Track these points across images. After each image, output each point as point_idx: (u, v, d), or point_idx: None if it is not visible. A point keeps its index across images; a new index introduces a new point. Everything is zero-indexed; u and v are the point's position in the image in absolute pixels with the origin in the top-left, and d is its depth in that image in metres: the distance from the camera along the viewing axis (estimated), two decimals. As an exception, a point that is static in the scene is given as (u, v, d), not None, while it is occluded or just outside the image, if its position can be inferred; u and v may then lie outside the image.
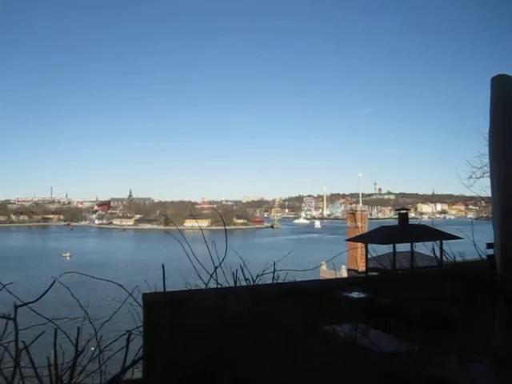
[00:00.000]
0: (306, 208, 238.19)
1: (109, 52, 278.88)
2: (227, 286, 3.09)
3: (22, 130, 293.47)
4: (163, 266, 2.61)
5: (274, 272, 3.20)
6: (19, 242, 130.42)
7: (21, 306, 2.00)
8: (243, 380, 2.92)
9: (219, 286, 3.04)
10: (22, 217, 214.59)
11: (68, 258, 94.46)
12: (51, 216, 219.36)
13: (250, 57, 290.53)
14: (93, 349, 2.21)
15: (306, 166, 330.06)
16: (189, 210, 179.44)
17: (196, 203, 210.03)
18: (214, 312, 2.87)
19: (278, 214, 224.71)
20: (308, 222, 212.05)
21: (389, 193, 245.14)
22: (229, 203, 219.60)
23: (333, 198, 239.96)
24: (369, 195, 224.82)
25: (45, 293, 2.01)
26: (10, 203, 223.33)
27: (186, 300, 3.13)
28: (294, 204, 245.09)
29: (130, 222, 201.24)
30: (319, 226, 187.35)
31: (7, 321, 1.95)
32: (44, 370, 1.95)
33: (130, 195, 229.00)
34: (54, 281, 2.12)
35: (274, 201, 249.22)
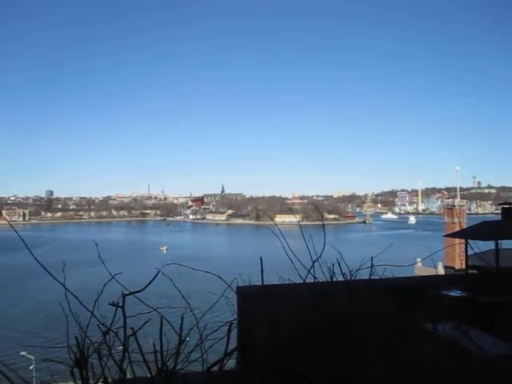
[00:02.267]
0: (399, 203, 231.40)
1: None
2: (323, 280, 3.06)
3: (123, 130, 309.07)
4: (261, 260, 2.64)
5: (371, 267, 3.12)
6: (120, 235, 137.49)
7: (128, 295, 2.11)
8: (338, 375, 2.89)
9: (316, 281, 3.01)
10: (121, 212, 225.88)
11: (164, 252, 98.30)
12: (148, 211, 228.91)
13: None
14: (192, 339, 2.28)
15: (399, 160, 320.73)
16: (279, 205, 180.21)
17: (287, 198, 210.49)
18: (309, 306, 2.86)
19: (371, 209, 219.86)
20: (396, 217, 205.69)
21: (489, 186, 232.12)
22: (319, 198, 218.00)
23: (428, 193, 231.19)
24: (467, 189, 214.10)
25: (150, 283, 2.11)
26: (111, 199, 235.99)
27: (281, 294, 3.15)
28: (387, 199, 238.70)
29: (223, 217, 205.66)
30: (413, 222, 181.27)
31: (116, 308, 2.07)
32: (150, 355, 2.05)
33: (223, 191, 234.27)
34: (158, 272, 2.22)
35: (366, 195, 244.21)
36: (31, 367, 22.59)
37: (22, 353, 27.01)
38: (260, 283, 3.01)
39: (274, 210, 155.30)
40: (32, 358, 25.32)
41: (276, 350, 2.78)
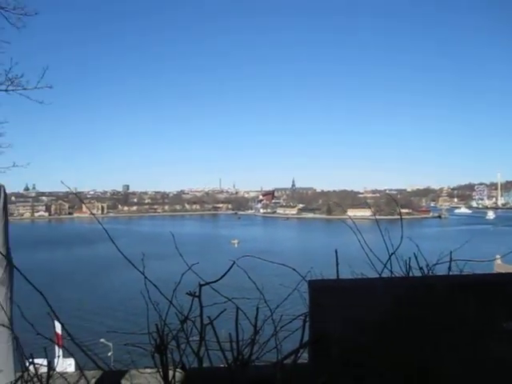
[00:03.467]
0: (477, 197, 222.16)
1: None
2: (399, 275, 3.00)
3: (194, 126, 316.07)
4: (336, 252, 2.62)
5: (450, 261, 3.02)
6: (193, 229, 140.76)
7: (204, 285, 2.17)
8: (411, 371, 2.83)
9: (392, 276, 2.96)
10: (194, 206, 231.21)
11: (236, 245, 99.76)
12: (220, 205, 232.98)
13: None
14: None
15: (476, 152, 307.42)
16: (351, 199, 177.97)
17: (358, 192, 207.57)
18: (384, 302, 2.81)
19: (446, 204, 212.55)
20: (470, 211, 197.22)
21: None
22: (392, 192, 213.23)
23: (508, 186, 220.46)
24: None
25: (225, 273, 2.16)
26: (184, 193, 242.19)
27: (354, 288, 3.11)
28: (464, 193, 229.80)
29: (293, 211, 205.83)
30: (492, 217, 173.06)
31: (193, 298, 2.13)
32: (226, 344, 2.10)
33: (293, 185, 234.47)
34: (234, 263, 2.26)
35: (441, 189, 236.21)
36: (109, 353, 23.62)
37: (101, 339, 28.26)
38: (332, 277, 2.99)
39: (346, 204, 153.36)
40: (110, 344, 26.42)
41: (349, 345, 2.76)
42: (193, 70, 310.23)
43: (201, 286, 2.15)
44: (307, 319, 2.44)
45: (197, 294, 2.13)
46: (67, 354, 2.36)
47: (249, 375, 2.10)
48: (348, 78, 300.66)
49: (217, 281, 2.18)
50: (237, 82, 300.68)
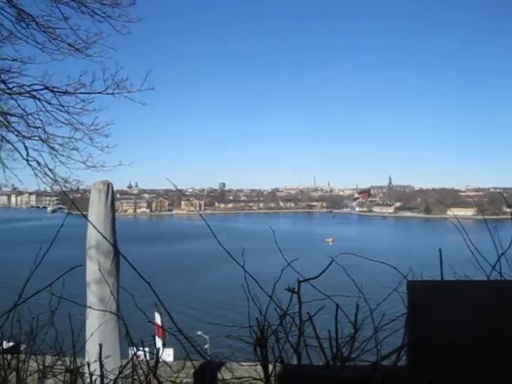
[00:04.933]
0: None
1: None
2: (510, 278, 2.82)
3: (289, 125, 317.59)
4: (440, 251, 2.52)
5: None
6: (287, 226, 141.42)
7: (303, 281, 2.17)
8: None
9: (501, 279, 2.79)
10: (288, 203, 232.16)
11: (331, 244, 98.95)
12: (315, 203, 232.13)
13: None
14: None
15: None
16: (451, 197, 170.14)
17: (459, 191, 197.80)
18: (491, 306, 2.66)
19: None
20: None
21: None
22: (498, 190, 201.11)
23: None
24: None
25: (324, 270, 2.15)
26: (278, 191, 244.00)
27: (458, 290, 2.97)
28: None
29: (390, 210, 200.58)
30: None
31: (292, 294, 2.14)
32: (325, 341, 2.10)
33: (390, 183, 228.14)
34: (332, 260, 2.25)
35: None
36: (206, 346, 24.29)
37: (198, 332, 29.10)
38: (432, 278, 2.87)
39: (446, 203, 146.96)
40: (207, 337, 27.17)
41: (451, 349, 2.64)
42: (286, 65, 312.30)
43: (300, 282, 2.16)
44: (405, 322, 2.37)
45: (296, 289, 2.15)
46: (166, 344, 2.45)
47: (348, 374, 2.08)
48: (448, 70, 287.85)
49: (316, 277, 2.18)
50: (330, 79, 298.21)
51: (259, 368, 2.20)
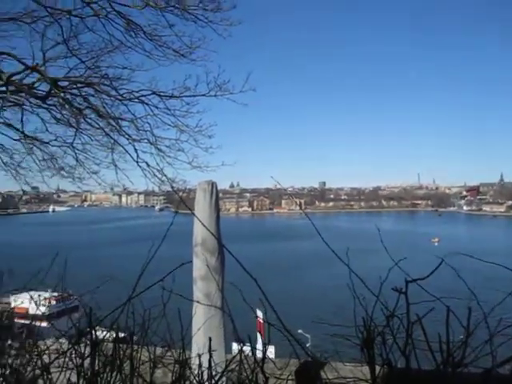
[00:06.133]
0: None
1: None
2: None
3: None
4: None
5: None
6: (390, 225, 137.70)
7: (411, 281, 2.10)
8: None
9: None
10: (391, 202, 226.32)
11: (436, 244, 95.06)
12: (419, 201, 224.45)
13: None
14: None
15: None
16: None
17: None
18: None
19: None
20: None
21: None
22: None
23: None
24: None
25: (433, 271, 2.06)
26: (380, 190, 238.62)
27: None
28: None
29: (501, 209, 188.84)
30: None
31: (399, 294, 2.08)
32: (434, 345, 2.01)
33: (501, 179, 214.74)
34: (442, 261, 2.15)
35: None
36: (307, 345, 24.25)
37: (299, 330, 29.12)
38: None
39: None
40: (308, 336, 27.14)
41: None
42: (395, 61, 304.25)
43: (407, 282, 2.09)
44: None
45: (403, 290, 2.08)
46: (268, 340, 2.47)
47: (460, 380, 1.99)
48: None
49: (424, 278, 2.09)
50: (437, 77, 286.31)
51: (364, 369, 2.15)
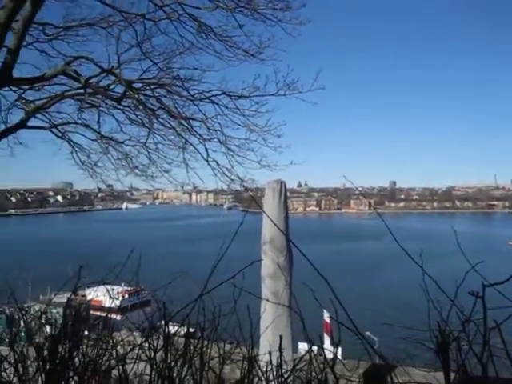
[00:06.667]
0: None
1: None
2: None
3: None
4: None
5: None
6: (463, 227, 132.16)
7: (488, 286, 2.01)
8: None
9: None
10: (465, 203, 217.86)
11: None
12: (495, 203, 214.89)
13: None
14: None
15: None
16: None
17: None
18: None
19: None
20: None
21: None
22: None
23: None
24: None
25: (510, 277, 1.97)
26: (454, 190, 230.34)
27: None
28: None
29: None
30: None
31: (476, 298, 2.00)
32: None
33: None
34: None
35: None
36: (375, 346, 23.64)
37: (367, 333, 28.53)
38: None
39: None
40: (375, 338, 26.58)
41: None
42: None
43: (485, 286, 2.00)
44: None
45: (480, 294, 1.99)
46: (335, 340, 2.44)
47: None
48: None
49: (503, 282, 2.00)
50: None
51: (438, 375, 2.09)
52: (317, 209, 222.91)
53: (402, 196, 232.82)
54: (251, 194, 9.29)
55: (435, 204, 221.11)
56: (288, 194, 5.93)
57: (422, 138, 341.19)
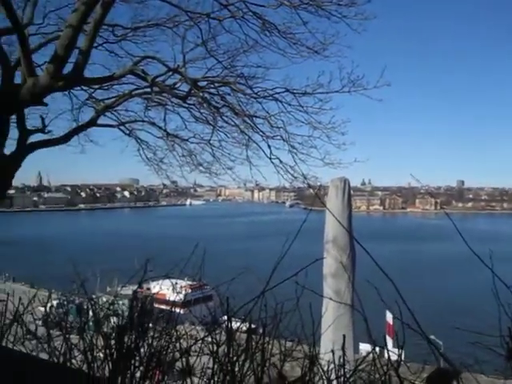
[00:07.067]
0: None
1: None
2: None
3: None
4: None
5: None
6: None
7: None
8: None
9: None
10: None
11: None
12: None
13: None
14: None
15: None
16: None
17: None
18: None
19: None
20: None
21: None
22: None
23: None
24: None
25: None
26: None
27: None
28: None
29: None
30: None
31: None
32: None
33: None
34: None
35: None
36: (440, 350, 22.94)
37: (432, 336, 27.73)
38: None
39: None
40: (440, 343, 25.77)
41: None
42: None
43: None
44: None
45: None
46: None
47: None
48: None
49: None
50: None
51: (508, 382, 2.01)
52: (381, 207, 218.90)
53: (470, 196, 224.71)
54: (315, 191, 9.23)
55: (505, 205, 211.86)
56: (351, 192, 5.86)
57: (493, 137, 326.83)
